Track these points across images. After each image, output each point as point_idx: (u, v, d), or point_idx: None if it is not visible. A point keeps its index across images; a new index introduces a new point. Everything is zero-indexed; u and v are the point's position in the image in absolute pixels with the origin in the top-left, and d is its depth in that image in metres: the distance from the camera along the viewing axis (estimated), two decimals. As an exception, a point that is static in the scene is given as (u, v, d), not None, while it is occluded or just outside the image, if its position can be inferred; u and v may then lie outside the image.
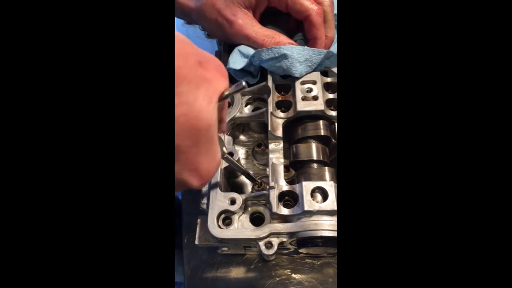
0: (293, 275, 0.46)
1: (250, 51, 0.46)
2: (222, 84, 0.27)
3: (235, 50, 0.47)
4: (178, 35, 0.24)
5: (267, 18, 0.49)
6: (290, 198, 0.38)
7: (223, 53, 0.52)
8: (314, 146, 0.42)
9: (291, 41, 0.45)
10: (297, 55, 0.43)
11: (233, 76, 0.47)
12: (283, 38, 0.45)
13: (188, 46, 0.25)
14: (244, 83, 0.28)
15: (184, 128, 0.24)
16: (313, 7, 0.44)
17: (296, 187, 0.37)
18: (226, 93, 0.28)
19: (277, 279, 0.46)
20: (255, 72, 0.48)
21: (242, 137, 0.51)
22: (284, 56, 0.42)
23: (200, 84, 0.25)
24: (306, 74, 0.44)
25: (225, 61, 0.49)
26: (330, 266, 0.46)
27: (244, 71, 0.47)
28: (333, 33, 0.47)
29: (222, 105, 0.31)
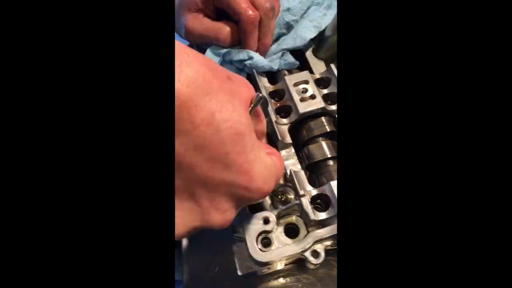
0: (291, 272, 0.45)
1: (221, 50, 0.47)
2: (249, 94, 0.28)
3: (207, 51, 0.48)
4: (203, 56, 0.24)
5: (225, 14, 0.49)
6: (320, 202, 0.38)
7: None
8: (324, 144, 0.42)
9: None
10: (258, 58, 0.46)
11: None
12: (229, 28, 0.46)
13: (214, 63, 0.25)
14: (260, 95, 0.28)
15: (230, 133, 0.23)
16: (246, 12, 0.43)
17: (325, 188, 0.36)
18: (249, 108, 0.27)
19: (275, 276, 0.46)
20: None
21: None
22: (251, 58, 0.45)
23: (234, 94, 0.25)
24: (269, 69, 0.47)
25: None
26: (328, 264, 0.47)
27: None
28: (268, 40, 0.47)
29: (256, 116, 0.31)
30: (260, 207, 0.45)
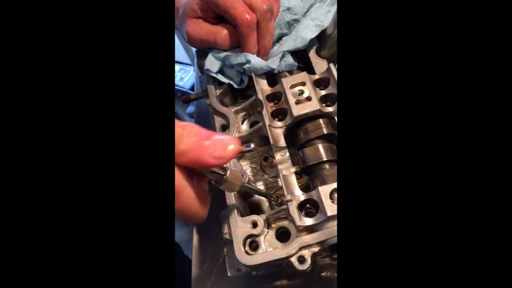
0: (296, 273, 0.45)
1: (221, 54, 0.48)
2: None
3: (209, 55, 0.50)
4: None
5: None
6: (311, 206, 0.37)
7: (198, 60, 0.55)
8: (320, 147, 0.41)
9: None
10: (256, 60, 0.46)
11: (214, 77, 0.50)
12: (226, 31, 0.46)
13: None
14: (252, 145, 0.30)
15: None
16: (242, 16, 0.43)
17: (313, 194, 0.36)
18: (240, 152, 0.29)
19: (279, 276, 0.46)
20: (233, 76, 0.49)
21: (247, 154, 0.50)
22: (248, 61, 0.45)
23: None
24: (267, 71, 0.46)
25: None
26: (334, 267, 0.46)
27: (223, 75, 0.50)
28: (267, 41, 0.46)
29: None
30: (258, 209, 0.45)
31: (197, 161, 0.26)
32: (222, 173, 0.30)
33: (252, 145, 0.29)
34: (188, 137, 0.25)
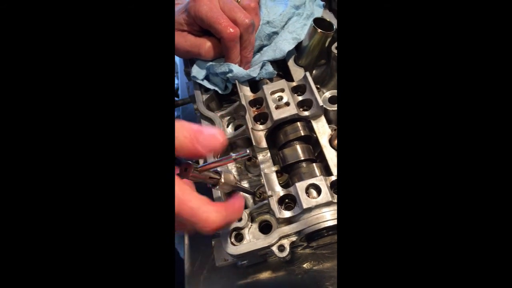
0: (281, 265, 0.50)
1: (207, 63, 0.52)
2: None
3: (195, 64, 0.54)
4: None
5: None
6: (290, 200, 0.41)
7: (185, 68, 0.59)
8: (298, 147, 0.45)
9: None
10: (238, 69, 0.50)
11: (200, 84, 0.54)
12: (210, 43, 0.50)
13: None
14: (248, 151, 0.34)
15: None
16: (226, 30, 0.47)
17: (291, 189, 0.40)
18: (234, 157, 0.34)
19: (266, 267, 0.49)
20: (218, 83, 0.53)
21: (232, 155, 0.54)
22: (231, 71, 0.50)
23: None
24: (249, 78, 0.51)
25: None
26: (316, 256, 0.50)
27: (209, 81, 0.54)
28: (248, 52, 0.51)
29: None
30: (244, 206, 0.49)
31: (193, 154, 0.29)
32: (218, 177, 0.35)
33: (248, 151, 0.33)
34: (181, 131, 0.28)
